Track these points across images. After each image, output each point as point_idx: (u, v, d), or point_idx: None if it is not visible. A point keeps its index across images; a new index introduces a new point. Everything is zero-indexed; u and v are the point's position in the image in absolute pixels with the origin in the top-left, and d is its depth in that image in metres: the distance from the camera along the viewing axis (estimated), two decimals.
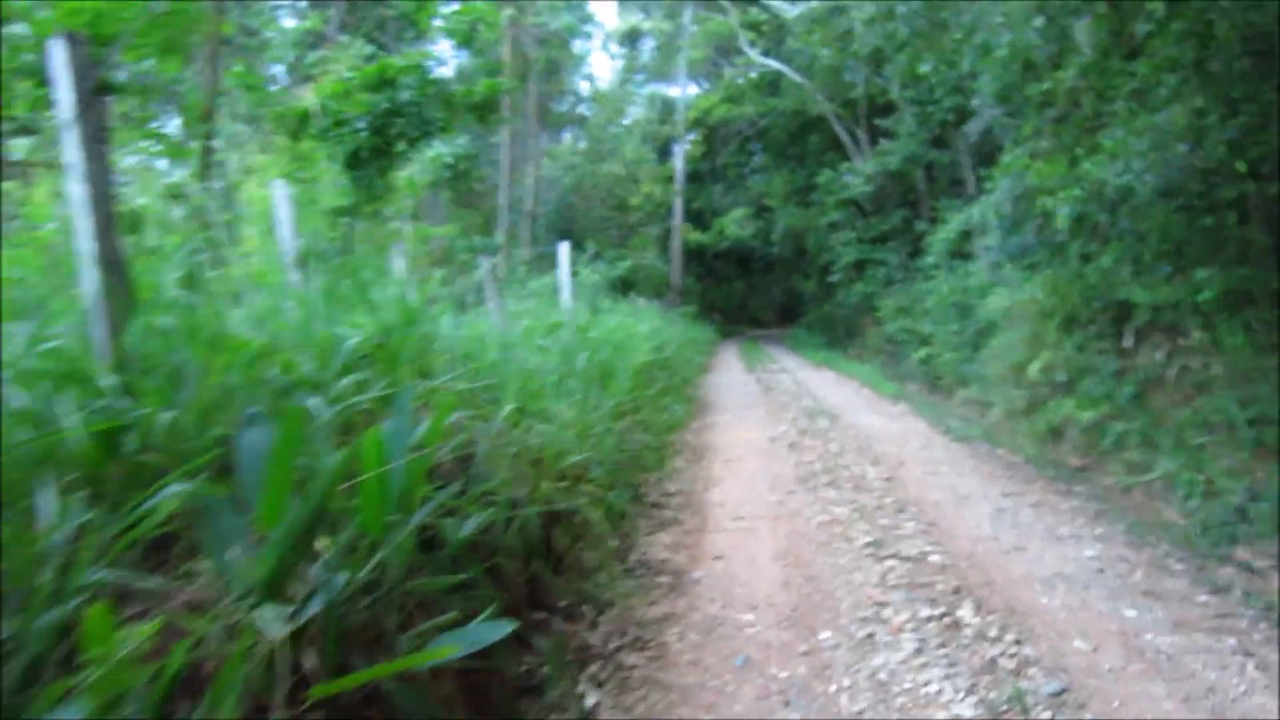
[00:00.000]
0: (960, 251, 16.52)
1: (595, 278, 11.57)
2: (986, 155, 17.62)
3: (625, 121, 29.74)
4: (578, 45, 27.58)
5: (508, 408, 4.10)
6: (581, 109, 32.42)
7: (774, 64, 24.87)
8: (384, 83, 7.90)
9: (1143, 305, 7.83)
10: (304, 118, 7.97)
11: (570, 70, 26.67)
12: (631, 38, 36.53)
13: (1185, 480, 6.51)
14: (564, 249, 10.06)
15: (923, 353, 15.02)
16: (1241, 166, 6.04)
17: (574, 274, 12.15)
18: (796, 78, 23.88)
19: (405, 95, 7.77)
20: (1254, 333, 6.46)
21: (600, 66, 42.21)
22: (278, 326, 3.52)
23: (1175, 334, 7.86)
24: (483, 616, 2.90)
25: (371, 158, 8.17)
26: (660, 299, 26.58)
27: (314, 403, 2.96)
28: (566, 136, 32.07)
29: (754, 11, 29.49)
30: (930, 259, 16.38)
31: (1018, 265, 13.01)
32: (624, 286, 20.49)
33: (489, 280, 7.20)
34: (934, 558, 5.21)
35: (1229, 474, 6.10)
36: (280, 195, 4.71)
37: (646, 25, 34.91)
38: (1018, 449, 8.72)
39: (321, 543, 2.66)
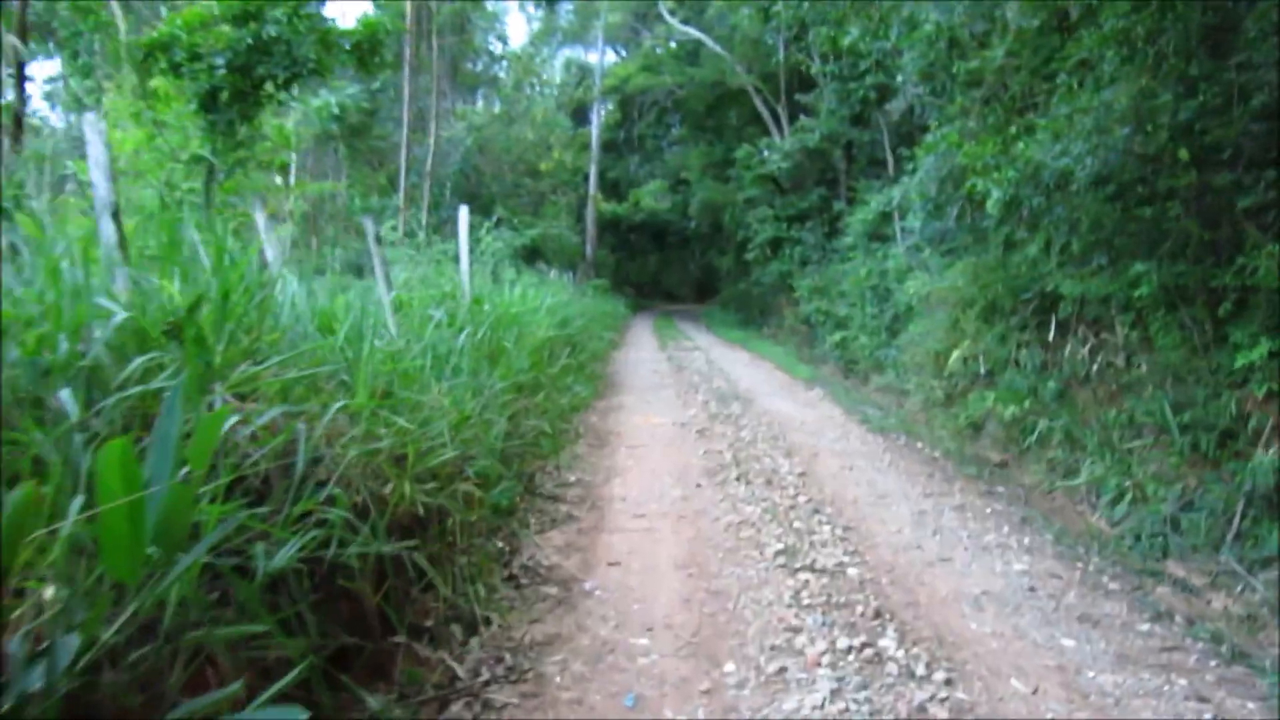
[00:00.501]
0: (879, 234, 16.20)
1: (498, 245, 10.78)
2: (907, 136, 17.31)
3: (539, 86, 28.66)
4: (491, 3, 26.43)
5: (353, 397, 3.38)
6: (497, 71, 31.20)
7: (694, 32, 24.19)
8: (249, 15, 6.92)
9: (1069, 298, 7.47)
10: (153, 50, 6.94)
11: (484, 30, 25.48)
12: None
13: (1113, 485, 6.16)
14: (463, 213, 9.26)
15: (838, 336, 14.67)
16: (1184, 154, 5.64)
17: (475, 241, 11.35)
18: (717, 48, 23.25)
19: (272, 30, 6.82)
20: (1187, 331, 6.11)
21: (517, 29, 40.81)
22: (54, 293, 2.73)
23: (1101, 329, 7.54)
24: (289, 678, 2.22)
25: (232, 100, 7.19)
26: (572, 271, 25.84)
27: (64, 395, 2.20)
28: (480, 101, 30.85)
29: None
30: (848, 240, 16.02)
31: (937, 250, 12.72)
32: (533, 256, 19.69)
33: (374, 245, 6.38)
34: (853, 570, 4.68)
35: (1159, 480, 5.75)
36: (92, 133, 3.86)
37: None
38: (936, 442, 8.34)
39: (48, 593, 1.93)
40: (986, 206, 7.38)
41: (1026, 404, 7.73)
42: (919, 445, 8.28)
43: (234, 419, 2.52)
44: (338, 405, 3.08)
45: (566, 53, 37.42)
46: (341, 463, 2.94)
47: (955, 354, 9.47)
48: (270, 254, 4.94)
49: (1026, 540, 5.40)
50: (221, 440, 2.51)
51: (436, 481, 4.13)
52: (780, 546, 5.04)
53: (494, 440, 5.28)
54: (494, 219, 11.07)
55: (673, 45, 30.65)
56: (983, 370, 8.86)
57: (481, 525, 4.92)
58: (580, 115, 35.53)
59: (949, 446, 8.10)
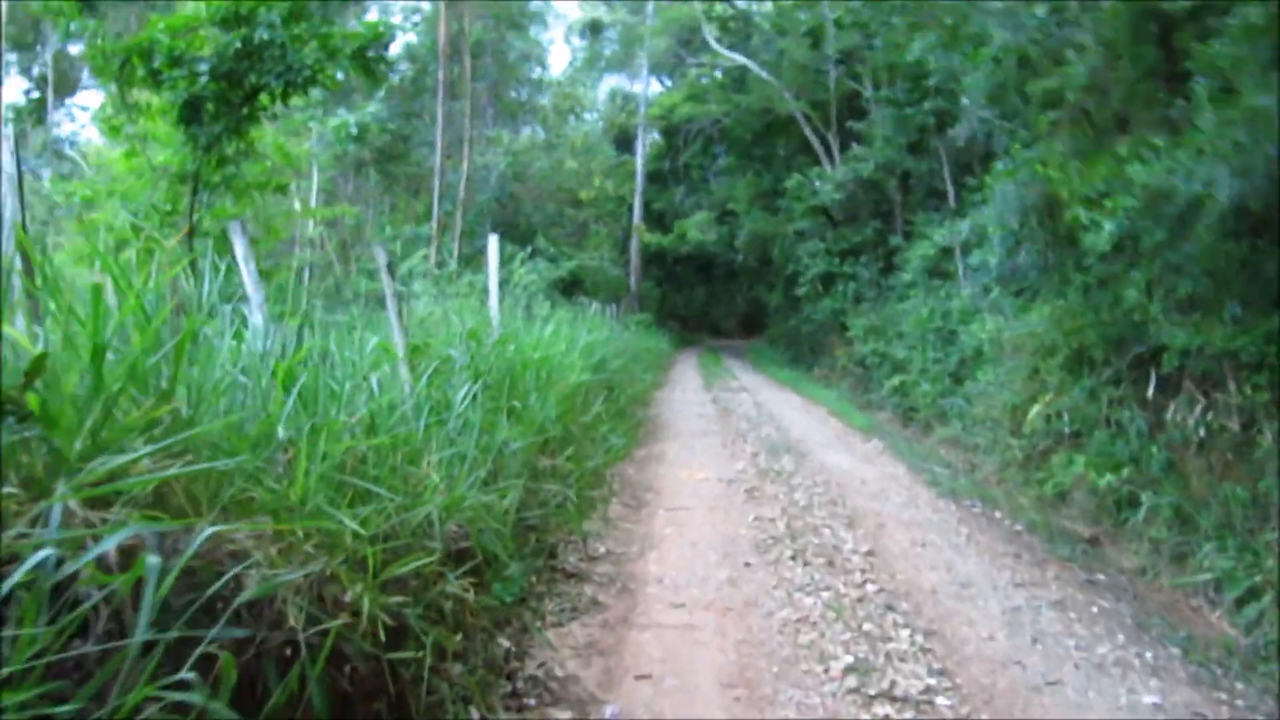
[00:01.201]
0: (939, 270, 15.25)
1: (532, 277, 10.04)
2: (968, 166, 16.38)
3: (581, 113, 28.13)
4: (536, 33, 25.95)
5: (291, 491, 2.56)
6: (540, 99, 30.84)
7: (740, 59, 23.47)
8: (239, 18, 6.24)
9: (1173, 349, 6.48)
10: (130, 56, 6.28)
11: (523, 55, 24.96)
12: (594, 29, 35.04)
13: (1240, 581, 5.15)
14: (493, 242, 8.52)
15: (896, 380, 13.69)
16: None
17: (508, 273, 10.62)
18: (763, 75, 22.48)
19: (264, 34, 6.12)
20: None
21: (560, 58, 40.58)
22: None
23: (1211, 386, 6.54)
24: None
25: (219, 112, 6.49)
26: (616, 304, 25.12)
27: None
28: (524, 130, 30.50)
29: (720, 7, 28.18)
30: (907, 277, 15.07)
31: (1008, 289, 11.77)
32: (572, 289, 18.97)
33: (386, 276, 5.63)
34: (943, 701, 3.75)
35: None
36: None
37: (608, 17, 33.43)
38: (1017, 512, 7.35)
39: None
40: (1085, 242, 6.43)
41: (1125, 472, 6.73)
42: (997, 515, 7.30)
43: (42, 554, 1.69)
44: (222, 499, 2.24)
45: (611, 81, 37.01)
46: (245, 591, 2.11)
47: (1035, 409, 8.49)
48: (250, 288, 4.18)
49: (1149, 655, 4.41)
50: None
51: (418, 581, 3.31)
52: (849, 660, 4.12)
53: (504, 514, 4.44)
54: (528, 249, 10.30)
55: (718, 74, 29.99)
56: (1068, 429, 7.86)
57: (484, 619, 4.07)
58: (625, 144, 35.03)
59: (1032, 518, 7.11)
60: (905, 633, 4.49)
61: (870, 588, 5.18)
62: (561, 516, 5.91)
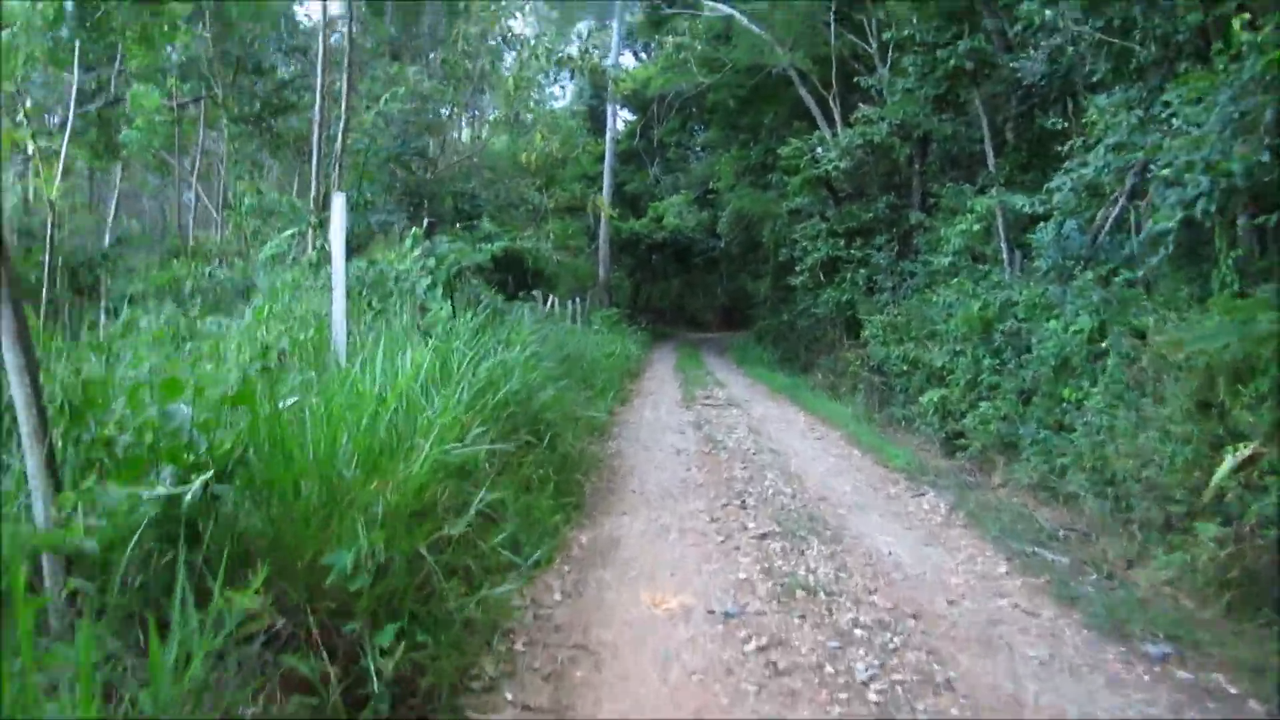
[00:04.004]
0: (978, 252, 11.95)
1: (427, 263, 6.54)
2: (1022, 118, 13.06)
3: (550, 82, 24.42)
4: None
5: None
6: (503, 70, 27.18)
7: (724, 8, 19.90)
8: None
9: None
10: None
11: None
12: None
13: None
14: (339, 204, 5.14)
15: (934, 395, 10.34)
16: None
17: (395, 258, 7.15)
18: (753, 27, 18.98)
19: None
20: None
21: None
22: None
23: None
24: None
25: None
26: (581, 298, 21.67)
27: None
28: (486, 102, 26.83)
29: None
30: (943, 259, 11.69)
31: (1096, 269, 8.57)
32: (521, 280, 15.47)
33: None
34: None
35: None
36: None
37: None
38: (1236, 672, 3.98)
39: None
40: None
41: None
42: (1208, 679, 3.93)
43: None
44: None
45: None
46: None
47: (1225, 464, 5.17)
48: None
49: None
50: None
51: None
52: None
53: None
54: (424, 223, 6.91)
55: (697, 46, 26.33)
56: None
57: None
58: (597, 123, 31.49)
59: (1256, 690, 3.75)
60: None
61: None
62: None
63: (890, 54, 16.18)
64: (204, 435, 2.71)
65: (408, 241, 6.85)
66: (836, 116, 17.87)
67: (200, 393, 2.86)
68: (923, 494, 7.58)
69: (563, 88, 30.11)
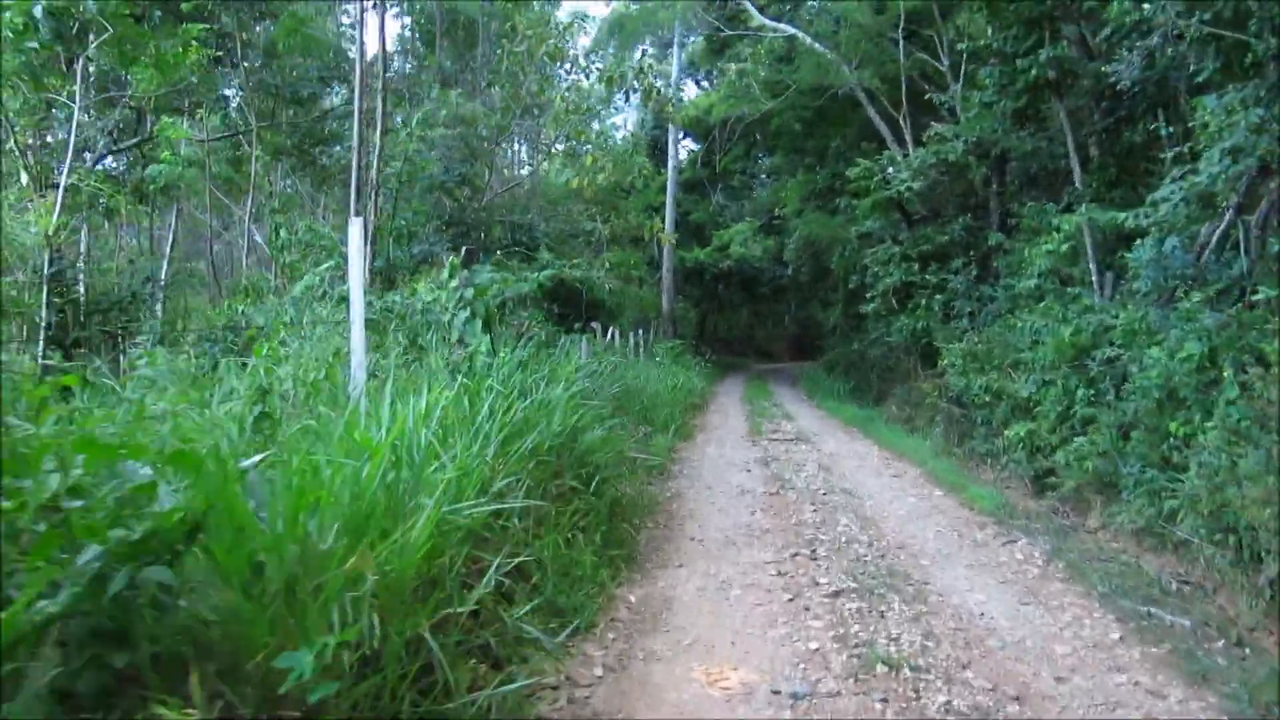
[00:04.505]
0: (1064, 274, 11.10)
1: (465, 294, 6.10)
2: (1108, 134, 12.22)
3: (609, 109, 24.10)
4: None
5: None
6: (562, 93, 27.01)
7: (787, 28, 19.31)
8: None
9: None
10: None
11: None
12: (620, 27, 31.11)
13: None
14: (355, 230, 4.70)
15: (1020, 429, 9.50)
16: None
17: (436, 289, 6.70)
18: (817, 45, 18.35)
19: None
20: None
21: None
22: None
23: None
24: None
25: None
26: (645, 330, 21.19)
27: None
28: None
29: None
30: (1029, 282, 10.89)
31: (1206, 292, 7.79)
32: (580, 312, 15.01)
33: None
34: None
35: None
36: None
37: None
38: None
39: None
40: None
41: None
42: None
43: None
44: None
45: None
46: None
47: None
48: None
49: None
50: None
51: None
52: None
53: None
54: (461, 251, 6.43)
55: (761, 72, 25.82)
56: None
57: None
58: (659, 154, 31.13)
59: None
60: None
61: None
62: None
63: (963, 69, 15.46)
64: (145, 503, 2.23)
65: (444, 271, 6.37)
66: (907, 136, 17.13)
67: (139, 453, 2.38)
68: (1014, 541, 6.82)
69: (624, 117, 29.82)
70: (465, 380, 5.01)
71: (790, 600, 5.13)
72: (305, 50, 13.59)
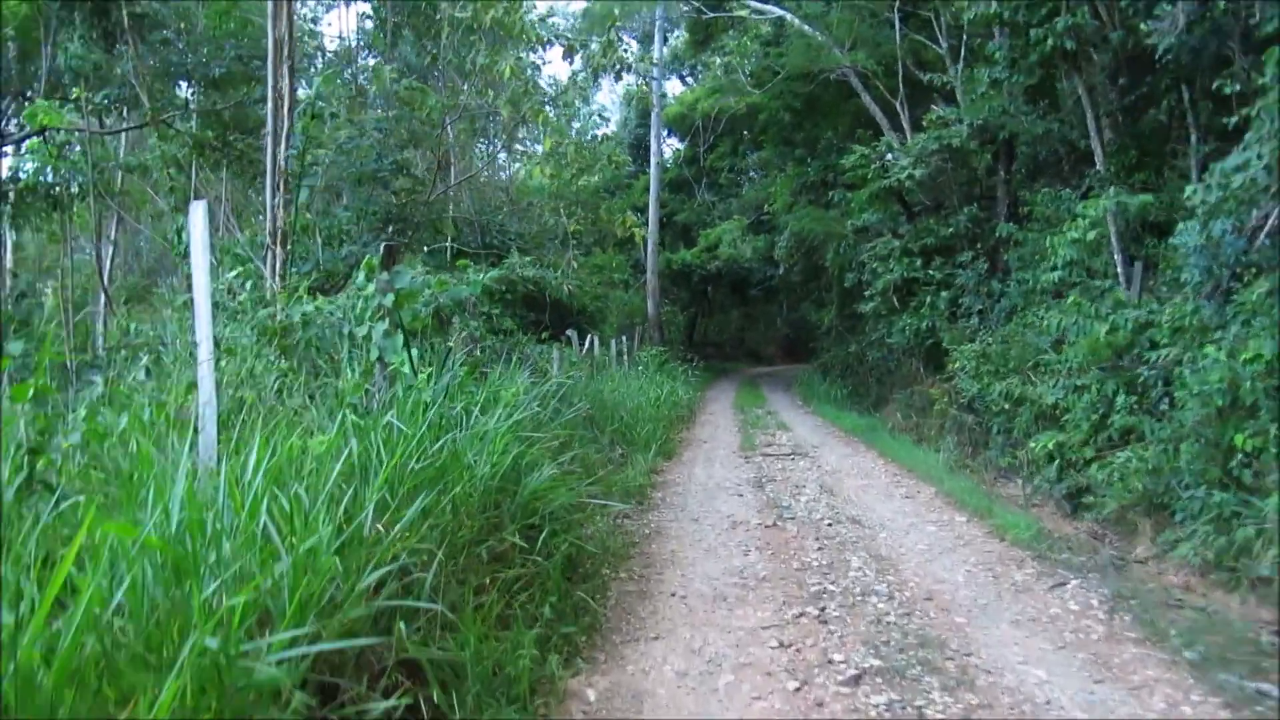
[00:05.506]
0: (1085, 266, 9.96)
1: (381, 301, 4.90)
2: (1127, 113, 11.10)
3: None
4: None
5: None
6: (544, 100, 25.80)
7: (774, 9, 18.12)
8: None
9: None
10: None
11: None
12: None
13: None
14: (198, 215, 3.51)
15: (1049, 440, 8.35)
16: None
17: (354, 295, 5.47)
18: (806, 28, 17.18)
19: None
20: None
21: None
22: None
23: None
24: None
25: None
26: (630, 335, 20.02)
27: None
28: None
29: None
30: (1052, 274, 9.73)
31: (1272, 281, 6.73)
32: (559, 321, 13.81)
33: None
34: None
35: None
36: None
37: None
38: None
39: None
40: None
41: None
42: None
43: None
44: None
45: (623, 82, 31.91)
46: None
47: None
48: None
49: None
50: None
51: None
52: None
53: None
54: (378, 246, 5.23)
55: (746, 55, 24.67)
56: None
57: None
58: (641, 152, 29.96)
59: None
60: None
61: None
62: None
63: (964, 48, 14.36)
64: None
65: (359, 275, 5.16)
66: (905, 123, 15.99)
67: None
68: (1062, 583, 5.64)
69: (604, 118, 28.61)
70: (354, 417, 3.81)
71: (797, 690, 3.93)
72: (238, 34, 12.35)
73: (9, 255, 13.63)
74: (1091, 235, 9.17)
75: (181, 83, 13.41)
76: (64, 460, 3.53)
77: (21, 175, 10.79)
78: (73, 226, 12.37)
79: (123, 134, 14.53)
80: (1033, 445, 8.66)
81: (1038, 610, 5.10)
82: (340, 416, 3.80)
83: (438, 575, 3.48)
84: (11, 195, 11.00)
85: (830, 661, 4.27)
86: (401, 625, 3.18)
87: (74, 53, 10.58)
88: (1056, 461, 8.26)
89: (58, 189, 10.39)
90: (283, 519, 2.98)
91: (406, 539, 3.39)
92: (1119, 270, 9.60)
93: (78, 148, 10.41)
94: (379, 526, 3.31)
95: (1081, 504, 7.79)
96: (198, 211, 3.48)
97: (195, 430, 3.70)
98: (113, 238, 13.47)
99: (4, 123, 13.18)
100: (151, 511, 2.81)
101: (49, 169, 10.37)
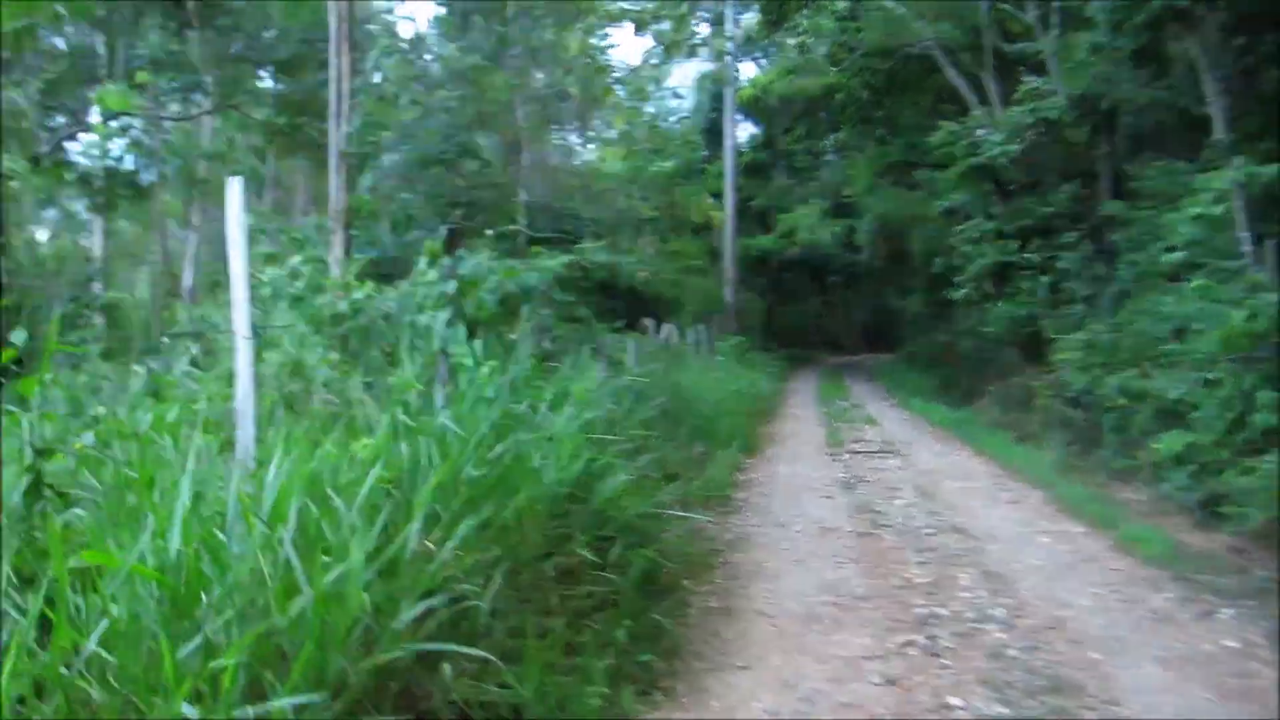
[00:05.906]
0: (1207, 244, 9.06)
1: (444, 289, 4.51)
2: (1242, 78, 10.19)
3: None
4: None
5: None
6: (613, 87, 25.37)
7: None
8: None
9: None
10: None
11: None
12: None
13: None
14: (234, 193, 3.08)
15: (1174, 441, 7.51)
16: None
17: (416, 283, 5.06)
18: (887, 2, 16.32)
19: None
20: None
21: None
22: None
23: None
24: None
25: None
26: (707, 324, 19.41)
27: None
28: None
29: None
30: (1175, 255, 8.87)
31: None
32: (635, 310, 13.35)
33: None
34: None
35: None
36: None
37: None
38: None
39: None
40: None
41: None
42: None
43: None
44: None
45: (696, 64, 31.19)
46: None
47: None
48: None
49: None
50: None
51: None
52: None
53: None
54: (443, 230, 4.75)
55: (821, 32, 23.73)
56: None
57: None
58: (715, 137, 29.28)
59: None
60: None
61: None
62: None
63: (1057, 15, 13.41)
64: None
65: (420, 262, 4.73)
66: (993, 97, 15.07)
67: None
68: (1211, 612, 4.91)
69: (679, 95, 27.94)
70: (404, 417, 3.36)
71: None
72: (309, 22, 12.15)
73: (99, 241, 13.70)
74: (1220, 210, 8.30)
75: (257, 70, 13.33)
76: (79, 464, 3.21)
77: (109, 162, 10.73)
78: (160, 214, 12.39)
79: (207, 123, 14.56)
80: (1158, 446, 7.82)
81: (1187, 646, 4.41)
82: (388, 415, 3.38)
83: (497, 597, 3.03)
84: (99, 183, 11.00)
85: (947, 706, 3.67)
86: (447, 668, 2.72)
87: (153, 42, 10.57)
88: (1188, 465, 7.43)
89: (139, 176, 10.37)
90: (310, 539, 2.55)
91: (460, 559, 2.93)
92: (1247, 247, 8.71)
93: (161, 137, 10.37)
94: (427, 543, 2.87)
95: (1215, 512, 6.97)
96: (233, 189, 3.09)
97: (234, 428, 3.34)
98: (197, 225, 13.45)
99: (87, 113, 13.26)
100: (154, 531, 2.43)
101: (133, 156, 10.37)
